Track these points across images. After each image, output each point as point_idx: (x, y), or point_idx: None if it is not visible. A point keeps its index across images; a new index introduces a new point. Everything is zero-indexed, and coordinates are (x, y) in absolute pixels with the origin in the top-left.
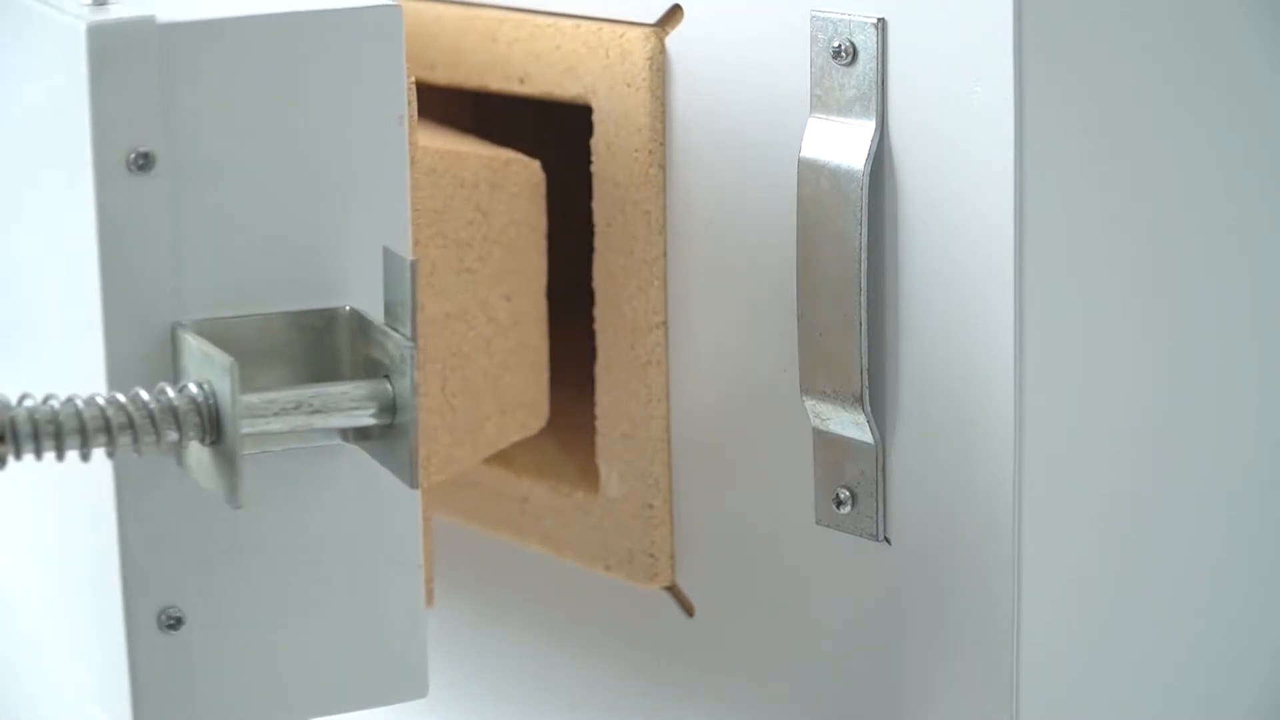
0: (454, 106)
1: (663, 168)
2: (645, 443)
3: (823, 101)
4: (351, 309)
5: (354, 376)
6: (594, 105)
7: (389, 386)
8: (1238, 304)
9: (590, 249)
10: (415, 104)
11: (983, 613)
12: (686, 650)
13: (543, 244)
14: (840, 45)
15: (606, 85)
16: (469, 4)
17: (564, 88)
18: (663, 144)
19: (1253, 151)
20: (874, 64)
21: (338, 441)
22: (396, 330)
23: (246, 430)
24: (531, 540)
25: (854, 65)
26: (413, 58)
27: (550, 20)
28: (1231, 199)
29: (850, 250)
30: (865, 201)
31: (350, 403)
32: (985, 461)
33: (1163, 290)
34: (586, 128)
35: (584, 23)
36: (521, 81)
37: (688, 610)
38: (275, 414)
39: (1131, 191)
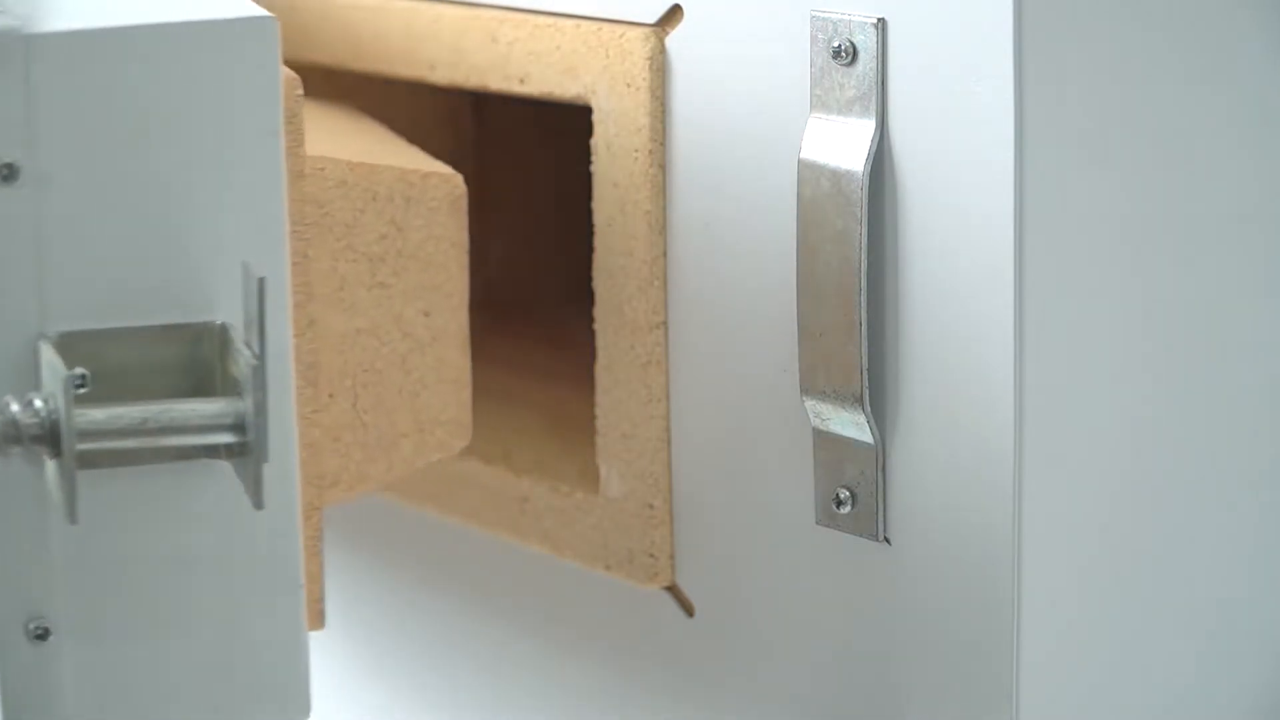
0: (454, 106)
1: (663, 168)
2: (645, 443)
3: (823, 101)
4: (222, 324)
5: (225, 393)
6: (594, 105)
7: (241, 405)
8: (1239, 303)
9: (590, 249)
10: (301, 118)
11: (983, 613)
12: (686, 650)
13: (464, 259)
14: (840, 45)
15: (606, 85)
16: (469, 4)
17: (564, 88)
18: (663, 144)
19: (1255, 151)
20: (874, 64)
21: (203, 458)
22: (248, 347)
23: (91, 446)
24: (531, 540)
25: (854, 65)
26: (413, 57)
27: (550, 20)
28: (1233, 198)
29: (850, 250)
30: (865, 201)
31: (200, 420)
32: (985, 461)
33: (1164, 290)
34: (586, 128)
35: (584, 23)
36: (521, 81)
37: (688, 610)
38: (119, 430)
39: (1132, 191)
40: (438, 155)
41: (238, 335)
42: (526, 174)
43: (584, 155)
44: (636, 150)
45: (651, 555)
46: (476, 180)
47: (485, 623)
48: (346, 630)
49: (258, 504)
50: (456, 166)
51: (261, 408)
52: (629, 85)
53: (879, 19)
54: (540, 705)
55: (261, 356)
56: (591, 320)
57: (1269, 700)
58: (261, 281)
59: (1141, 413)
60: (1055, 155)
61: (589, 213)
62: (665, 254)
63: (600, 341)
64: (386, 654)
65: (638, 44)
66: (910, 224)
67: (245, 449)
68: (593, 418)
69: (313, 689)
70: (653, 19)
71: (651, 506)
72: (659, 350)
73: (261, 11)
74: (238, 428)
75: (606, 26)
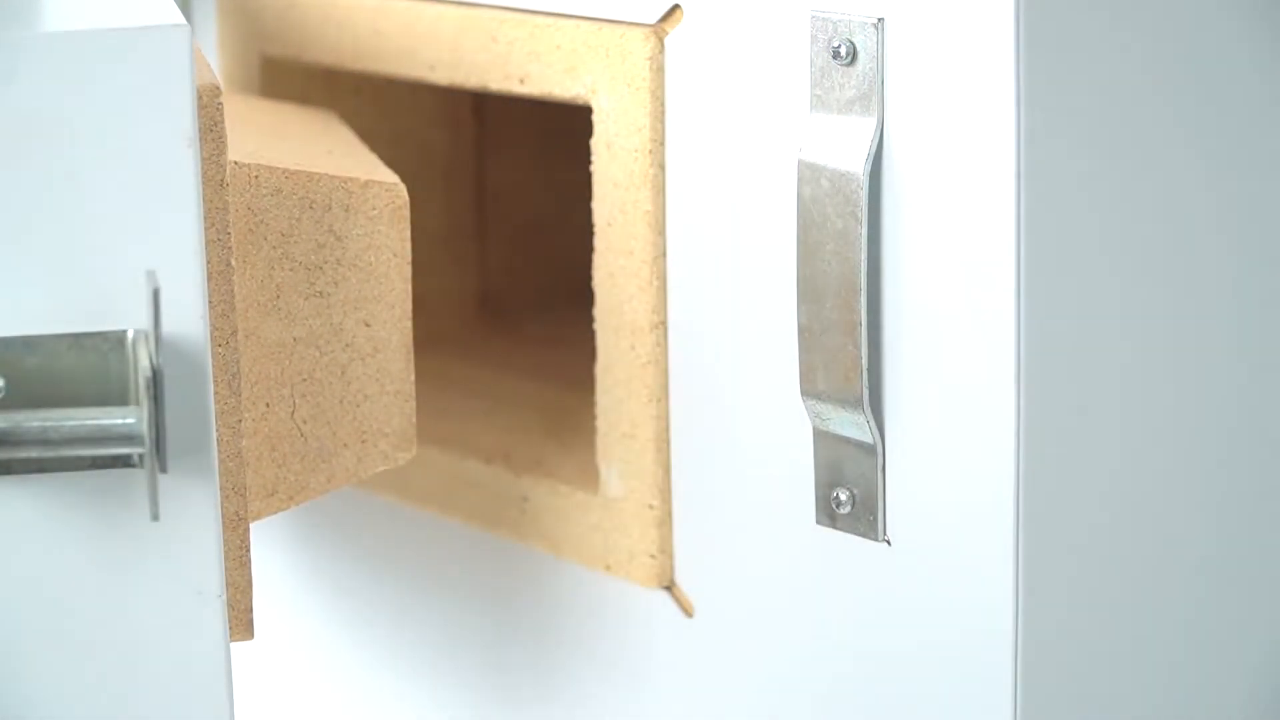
0: (454, 106)
1: (663, 168)
2: (645, 443)
3: (823, 101)
4: (134, 333)
5: (137, 404)
6: (594, 105)
7: (136, 416)
8: (1240, 302)
9: (590, 249)
10: (223, 125)
11: (983, 613)
12: (686, 650)
13: (406, 270)
14: (840, 45)
15: (606, 85)
16: (469, 4)
17: (564, 88)
18: (663, 144)
19: (1255, 150)
20: (874, 64)
21: (116, 468)
22: (148, 358)
23: None
24: (531, 540)
25: (854, 65)
26: (413, 58)
27: (550, 20)
28: (1234, 197)
29: (850, 250)
30: (865, 201)
31: (99, 431)
32: (985, 462)
33: (1164, 289)
34: (586, 128)
35: (584, 23)
36: (521, 81)
37: (687, 610)
38: (18, 440)
39: (1133, 191)
40: (438, 155)
41: (143, 345)
42: (526, 174)
43: (584, 155)
44: (636, 150)
45: (651, 555)
46: (476, 180)
47: (485, 623)
48: (346, 630)
49: (154, 514)
50: (456, 166)
51: (155, 419)
52: (629, 85)
53: (879, 19)
54: (539, 705)
55: (156, 367)
56: (591, 320)
57: (1269, 702)
58: (155, 292)
59: (1142, 412)
60: (1056, 155)
61: (589, 213)
62: (665, 254)
63: (600, 341)
64: (386, 653)
65: (638, 44)
66: (910, 224)
67: (142, 460)
68: (593, 418)
69: (310, 688)
70: (653, 19)
71: (651, 506)
72: (659, 350)
73: (176, 19)
74: (136, 438)
75: (606, 26)
